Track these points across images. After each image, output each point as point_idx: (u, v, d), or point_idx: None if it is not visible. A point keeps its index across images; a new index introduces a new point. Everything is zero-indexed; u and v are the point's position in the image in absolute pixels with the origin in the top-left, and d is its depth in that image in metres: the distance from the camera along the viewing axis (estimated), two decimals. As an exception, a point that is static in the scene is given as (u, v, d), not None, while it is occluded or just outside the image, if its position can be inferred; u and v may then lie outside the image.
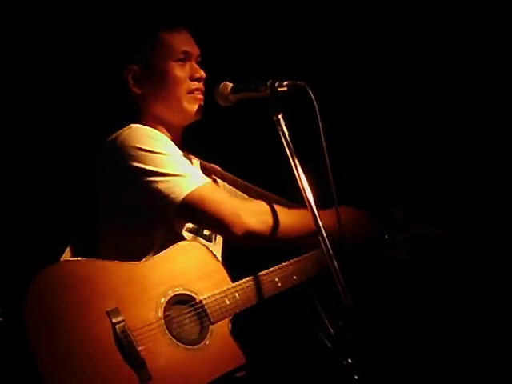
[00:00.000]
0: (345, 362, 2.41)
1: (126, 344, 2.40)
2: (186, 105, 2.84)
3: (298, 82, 2.55)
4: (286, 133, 2.51)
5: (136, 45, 2.87)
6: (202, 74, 2.85)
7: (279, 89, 2.56)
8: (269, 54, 3.53)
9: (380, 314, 3.35)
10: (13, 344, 2.35)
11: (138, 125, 2.75)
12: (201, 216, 2.63)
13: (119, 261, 2.55)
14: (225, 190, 2.99)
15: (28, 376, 2.30)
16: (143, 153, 2.62)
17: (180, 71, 2.84)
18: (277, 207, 2.71)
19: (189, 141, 2.96)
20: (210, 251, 2.71)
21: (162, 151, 2.64)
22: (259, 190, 3.01)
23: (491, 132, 3.39)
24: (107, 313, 2.42)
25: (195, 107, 2.86)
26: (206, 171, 2.98)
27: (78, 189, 3.03)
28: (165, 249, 2.63)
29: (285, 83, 2.57)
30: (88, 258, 2.55)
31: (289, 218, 2.69)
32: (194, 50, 2.88)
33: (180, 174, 2.62)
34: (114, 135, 2.71)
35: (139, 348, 2.42)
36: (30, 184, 3.34)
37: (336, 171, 2.45)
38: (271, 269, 2.74)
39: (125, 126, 2.75)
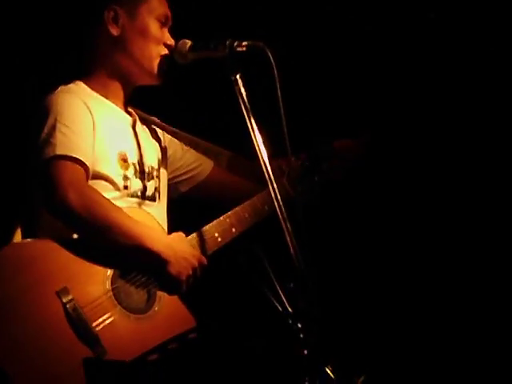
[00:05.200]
0: (294, 326, 2.41)
1: (78, 322, 2.41)
2: (153, 65, 2.78)
3: (257, 43, 2.53)
4: (244, 93, 2.48)
5: None
6: (173, 43, 2.79)
7: (238, 49, 2.53)
8: (227, 14, 3.50)
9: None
10: None
11: (65, 89, 2.70)
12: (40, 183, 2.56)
13: (61, 237, 2.52)
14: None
15: None
16: (51, 121, 2.56)
17: (159, 32, 2.78)
18: (116, 207, 2.58)
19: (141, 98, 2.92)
20: (149, 214, 2.70)
21: (66, 122, 2.57)
22: (190, 137, 3.01)
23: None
24: (57, 293, 2.42)
25: (158, 70, 2.79)
26: (145, 122, 2.95)
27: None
28: None
29: (244, 43, 2.55)
30: (34, 239, 2.55)
31: (122, 219, 2.55)
32: (170, 18, 2.83)
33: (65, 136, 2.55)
34: (42, 97, 2.65)
35: (92, 324, 2.43)
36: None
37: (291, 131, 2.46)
38: (209, 224, 2.74)
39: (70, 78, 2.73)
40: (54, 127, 2.55)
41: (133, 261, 2.56)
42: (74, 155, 2.54)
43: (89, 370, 2.33)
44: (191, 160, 3.03)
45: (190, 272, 2.60)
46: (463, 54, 3.41)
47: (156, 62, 2.78)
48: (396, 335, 3.54)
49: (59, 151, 2.52)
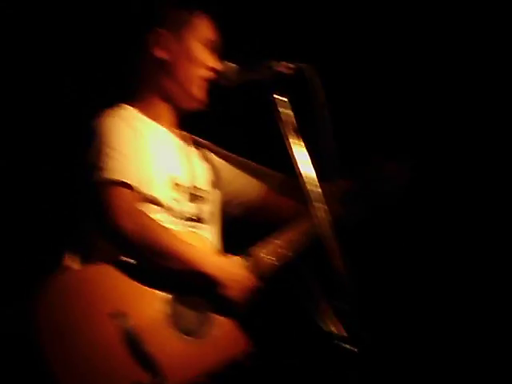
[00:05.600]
0: (342, 346, 2.38)
1: (134, 345, 2.41)
2: (197, 89, 2.78)
3: (301, 64, 2.52)
4: (288, 114, 2.47)
5: (171, 13, 2.81)
6: (219, 66, 2.78)
7: (280, 70, 2.53)
8: (271, 35, 3.51)
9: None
10: (26, 355, 2.36)
11: (113, 114, 2.70)
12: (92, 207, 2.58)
13: (116, 260, 2.53)
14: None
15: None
16: (99, 149, 2.57)
17: (203, 55, 2.79)
18: (168, 232, 2.59)
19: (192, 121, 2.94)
20: (203, 237, 2.71)
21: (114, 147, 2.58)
22: (244, 160, 3.00)
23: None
24: (113, 316, 2.43)
25: (202, 95, 2.80)
26: (197, 145, 2.95)
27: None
28: None
29: (289, 65, 2.54)
30: (86, 264, 2.57)
31: (181, 248, 2.56)
32: (216, 42, 2.84)
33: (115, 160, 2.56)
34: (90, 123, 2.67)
35: (147, 346, 2.42)
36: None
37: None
38: (264, 247, 2.72)
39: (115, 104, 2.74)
40: (102, 151, 2.57)
41: (188, 284, 2.57)
42: (123, 179, 2.55)
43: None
44: (243, 184, 3.01)
45: (245, 295, 2.60)
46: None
47: (200, 85, 2.78)
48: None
49: (109, 175, 2.54)
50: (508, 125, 3.39)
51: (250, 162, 3.02)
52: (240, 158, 3.02)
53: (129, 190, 2.56)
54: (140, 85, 2.82)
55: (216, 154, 3.00)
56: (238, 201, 3.01)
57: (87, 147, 2.60)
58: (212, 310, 2.59)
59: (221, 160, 3.00)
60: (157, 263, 2.53)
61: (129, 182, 2.55)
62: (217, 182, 2.95)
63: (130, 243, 2.50)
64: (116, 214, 2.49)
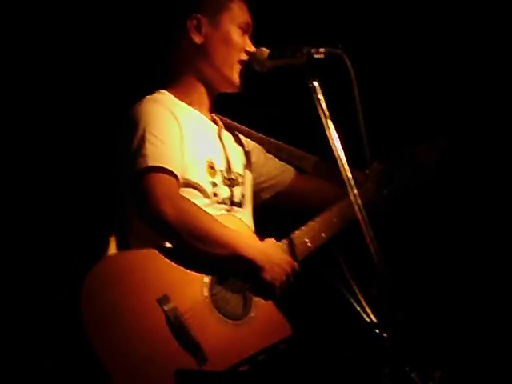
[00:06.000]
0: (380, 335, 2.42)
1: (179, 330, 2.45)
2: (234, 73, 2.82)
3: (335, 50, 2.55)
4: (322, 100, 2.51)
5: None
6: (254, 49, 2.83)
7: (315, 56, 2.56)
8: (305, 21, 3.52)
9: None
10: (72, 341, 2.40)
11: (152, 99, 2.74)
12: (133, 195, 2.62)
13: (157, 246, 2.57)
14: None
15: (91, 371, 2.35)
16: (140, 133, 2.60)
17: (240, 39, 2.83)
18: (213, 219, 2.62)
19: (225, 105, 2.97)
20: (241, 221, 2.74)
21: (155, 134, 2.61)
22: (274, 141, 3.02)
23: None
24: (158, 301, 2.46)
25: (238, 78, 2.84)
26: (230, 128, 2.99)
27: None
28: None
29: (321, 50, 2.58)
30: (130, 250, 2.62)
31: (219, 231, 2.59)
32: (251, 26, 2.88)
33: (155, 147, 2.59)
34: (129, 109, 2.71)
35: (192, 331, 2.46)
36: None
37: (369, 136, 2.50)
38: (299, 230, 2.75)
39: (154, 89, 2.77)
40: (143, 138, 2.60)
41: (228, 268, 2.60)
42: (165, 166, 2.58)
43: (182, 381, 2.38)
44: (273, 167, 3.06)
45: (284, 278, 2.62)
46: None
47: (237, 69, 2.82)
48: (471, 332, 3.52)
49: (151, 162, 2.57)
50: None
51: (283, 144, 3.05)
52: (273, 141, 3.04)
53: (170, 176, 2.59)
54: (177, 69, 2.86)
55: (249, 136, 3.04)
56: (267, 184, 3.05)
57: (129, 133, 2.63)
58: (252, 294, 2.63)
59: (253, 143, 3.05)
60: (198, 247, 2.55)
61: (170, 169, 2.59)
62: (249, 165, 3.00)
63: (172, 228, 2.53)
64: (158, 200, 2.52)
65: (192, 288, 2.54)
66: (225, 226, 2.61)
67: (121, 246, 2.68)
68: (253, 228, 2.84)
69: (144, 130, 2.61)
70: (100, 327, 2.37)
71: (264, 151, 3.06)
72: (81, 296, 2.37)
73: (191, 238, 2.55)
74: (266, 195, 3.05)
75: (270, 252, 2.64)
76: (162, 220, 2.52)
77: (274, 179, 3.06)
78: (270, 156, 3.06)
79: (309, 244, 2.75)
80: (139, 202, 2.58)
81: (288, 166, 3.07)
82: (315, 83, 2.52)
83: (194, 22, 2.80)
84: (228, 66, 2.82)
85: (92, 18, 3.41)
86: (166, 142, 2.62)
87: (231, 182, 2.83)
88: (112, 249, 2.67)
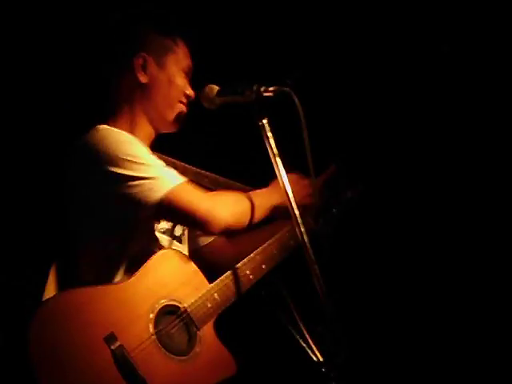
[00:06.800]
0: (325, 371, 2.44)
1: (126, 368, 2.46)
2: (173, 114, 2.86)
3: (284, 88, 2.57)
4: (271, 138, 2.54)
5: (155, 39, 2.86)
6: (193, 93, 2.88)
7: (265, 94, 2.58)
8: (255, 57, 3.57)
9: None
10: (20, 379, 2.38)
11: (107, 127, 2.72)
12: (178, 217, 2.69)
13: (104, 283, 2.59)
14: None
15: None
16: (117, 158, 2.59)
17: (182, 82, 2.87)
18: (240, 195, 2.77)
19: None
20: (185, 255, 2.77)
21: (135, 155, 2.62)
22: (212, 175, 3.05)
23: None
24: (104, 339, 2.46)
25: (178, 118, 2.88)
26: (167, 164, 2.95)
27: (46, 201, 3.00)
28: (136, 257, 2.65)
29: (271, 88, 2.59)
30: (74, 288, 2.58)
31: (252, 201, 2.75)
32: (192, 70, 2.92)
33: (155, 176, 2.60)
34: (84, 139, 2.67)
35: (139, 369, 2.47)
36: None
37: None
38: (241, 263, 2.79)
39: (91, 126, 2.72)
40: (137, 164, 2.61)
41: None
42: (175, 182, 2.64)
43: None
44: None
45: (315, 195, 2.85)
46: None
47: (176, 110, 2.86)
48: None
49: (163, 191, 2.59)
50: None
51: (220, 178, 3.06)
52: (210, 175, 3.05)
53: (184, 184, 2.66)
54: (118, 106, 2.85)
55: (184, 172, 2.97)
56: None
57: (111, 164, 2.59)
58: (196, 329, 2.63)
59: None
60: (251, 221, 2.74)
61: (179, 180, 2.66)
62: None
63: (231, 227, 2.68)
64: (196, 210, 2.60)
65: (138, 325, 2.54)
66: (261, 195, 2.79)
67: (66, 281, 2.68)
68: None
69: (127, 155, 2.60)
70: (48, 367, 2.36)
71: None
72: (28, 335, 2.36)
73: (247, 223, 2.74)
74: (201, 242, 3.07)
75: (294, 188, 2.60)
76: (223, 228, 2.66)
77: None
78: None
79: (251, 276, 2.79)
80: (192, 223, 2.71)
81: None
82: (264, 121, 2.55)
83: (141, 60, 2.82)
84: (168, 106, 2.85)
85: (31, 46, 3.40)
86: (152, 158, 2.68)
87: None
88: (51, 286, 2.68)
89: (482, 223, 3.59)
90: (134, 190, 2.58)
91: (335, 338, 2.36)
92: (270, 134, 2.54)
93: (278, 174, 2.51)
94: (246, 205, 2.74)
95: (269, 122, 2.56)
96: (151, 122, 2.86)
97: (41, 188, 3.32)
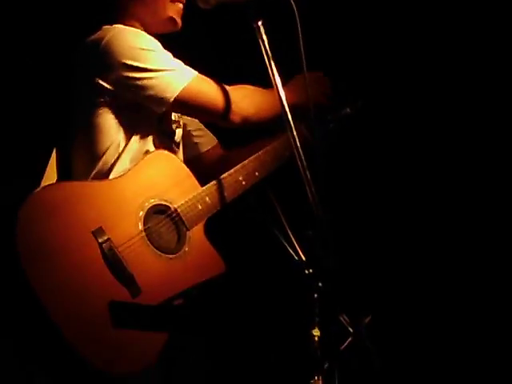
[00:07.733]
0: (308, 273, 2.46)
1: (113, 261, 2.47)
2: (168, 13, 2.84)
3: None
4: (265, 40, 2.49)
5: None
6: None
7: None
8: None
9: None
10: (7, 275, 2.39)
11: (121, 25, 2.74)
12: (198, 109, 2.74)
13: (95, 179, 2.62)
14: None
15: (26, 303, 2.35)
16: (134, 51, 2.63)
17: None
18: (260, 89, 2.82)
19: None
20: (179, 159, 2.78)
21: (150, 48, 2.67)
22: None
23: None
24: (93, 233, 2.47)
25: (176, 17, 2.86)
26: None
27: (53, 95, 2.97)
28: (131, 154, 2.68)
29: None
30: (67, 181, 2.62)
31: (269, 96, 2.75)
32: None
33: (171, 68, 2.67)
34: (97, 35, 2.70)
35: (126, 263, 2.48)
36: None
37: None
38: (234, 169, 2.81)
39: (100, 27, 2.74)
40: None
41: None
42: (191, 76, 2.71)
43: (114, 312, 2.40)
44: (199, 127, 3.08)
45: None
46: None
47: (169, 7, 2.83)
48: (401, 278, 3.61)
49: (191, 76, 2.69)
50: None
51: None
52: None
53: (202, 76, 2.73)
54: (115, 15, 2.83)
55: None
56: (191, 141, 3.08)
57: (136, 59, 2.63)
58: (186, 228, 2.65)
59: None
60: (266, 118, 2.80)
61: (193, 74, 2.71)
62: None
63: (253, 121, 2.78)
64: (217, 99, 2.71)
65: (127, 222, 2.55)
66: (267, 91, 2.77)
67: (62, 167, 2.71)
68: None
69: (146, 47, 2.66)
70: (35, 258, 2.36)
71: None
72: (15, 226, 2.36)
73: (266, 118, 2.80)
74: (195, 152, 3.07)
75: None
76: (244, 118, 2.76)
77: (197, 139, 3.08)
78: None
79: (243, 182, 2.81)
80: (210, 116, 2.79)
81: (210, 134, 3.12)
82: (259, 23, 2.50)
83: None
84: (161, 6, 2.83)
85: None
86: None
87: (175, 122, 2.87)
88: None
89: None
90: (155, 82, 2.63)
91: (324, 242, 2.37)
92: (264, 37, 2.49)
93: (271, 78, 2.46)
94: (266, 97, 2.78)
95: (264, 24, 2.51)
96: (148, 25, 2.84)
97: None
